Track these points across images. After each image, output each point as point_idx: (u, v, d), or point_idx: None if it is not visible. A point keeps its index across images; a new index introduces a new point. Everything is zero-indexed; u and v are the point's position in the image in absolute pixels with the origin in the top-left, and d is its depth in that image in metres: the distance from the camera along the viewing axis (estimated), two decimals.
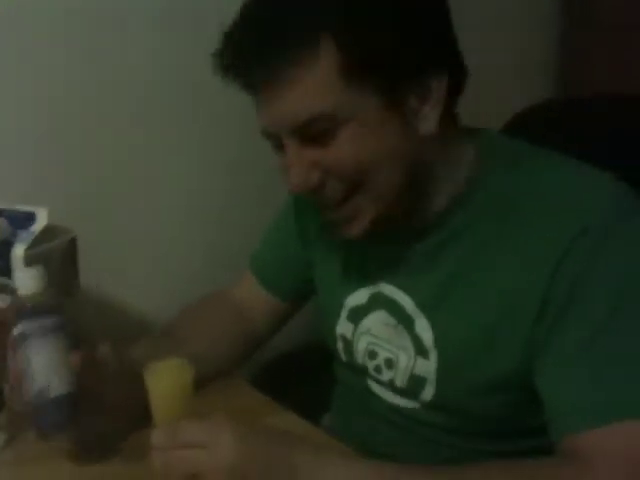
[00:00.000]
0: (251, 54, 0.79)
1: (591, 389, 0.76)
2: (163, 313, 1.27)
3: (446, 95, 0.82)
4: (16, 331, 0.82)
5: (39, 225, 1.00)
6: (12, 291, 0.96)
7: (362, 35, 0.78)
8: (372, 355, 0.96)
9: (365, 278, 0.97)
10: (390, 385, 0.94)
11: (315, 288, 1.09)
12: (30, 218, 1.00)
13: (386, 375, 0.94)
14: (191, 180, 1.39)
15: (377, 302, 0.95)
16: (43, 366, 0.82)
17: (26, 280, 0.84)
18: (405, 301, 0.91)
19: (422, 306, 0.90)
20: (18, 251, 0.96)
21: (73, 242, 1.06)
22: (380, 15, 0.78)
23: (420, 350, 0.90)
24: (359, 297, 0.97)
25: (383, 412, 0.97)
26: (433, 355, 0.88)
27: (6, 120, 1.15)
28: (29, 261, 0.96)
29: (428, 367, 0.89)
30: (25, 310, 0.83)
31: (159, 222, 1.36)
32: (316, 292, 1.09)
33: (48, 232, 1.01)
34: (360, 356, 0.97)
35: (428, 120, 0.82)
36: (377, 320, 0.95)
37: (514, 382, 0.83)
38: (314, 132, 0.80)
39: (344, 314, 0.99)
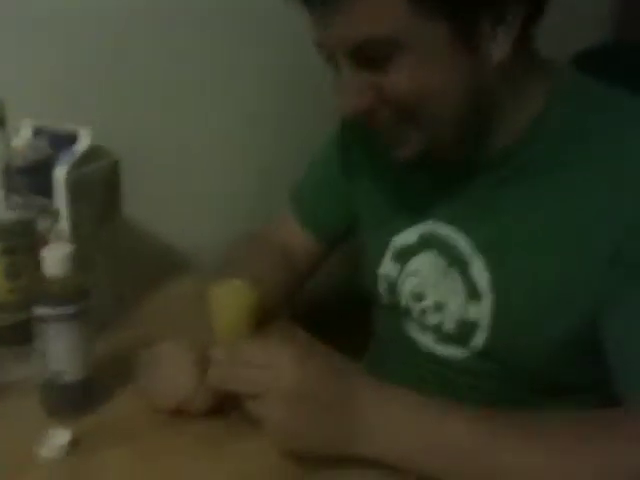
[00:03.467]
0: None
1: None
2: (205, 248, 1.25)
3: (522, 20, 0.75)
4: (36, 312, 0.78)
5: (82, 146, 0.95)
6: (54, 213, 0.93)
7: None
8: (418, 297, 0.91)
9: (415, 216, 0.92)
10: (436, 330, 0.90)
11: (355, 228, 1.05)
12: (72, 138, 0.96)
13: (433, 319, 0.90)
14: (244, 107, 1.34)
15: (428, 242, 0.91)
16: (60, 352, 0.79)
17: (54, 261, 0.77)
18: (461, 241, 0.87)
19: (481, 247, 0.85)
20: (59, 173, 0.92)
21: (116, 166, 1.02)
22: None
23: (473, 294, 0.85)
24: (408, 236, 0.93)
25: (420, 360, 0.93)
26: (487, 299, 0.84)
27: (53, 36, 1.11)
28: (70, 183, 0.93)
29: (480, 312, 0.84)
30: (48, 294, 0.77)
31: (207, 153, 1.32)
32: (355, 233, 1.05)
33: (90, 154, 0.96)
34: (404, 298, 0.93)
35: (501, 45, 0.76)
36: (426, 261, 0.91)
37: (576, 332, 0.79)
38: (372, 55, 0.75)
39: (389, 254, 0.95)
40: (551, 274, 0.80)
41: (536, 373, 0.84)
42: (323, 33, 0.78)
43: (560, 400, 0.85)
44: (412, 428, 0.71)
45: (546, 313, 0.80)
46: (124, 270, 1.07)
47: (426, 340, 0.92)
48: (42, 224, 0.92)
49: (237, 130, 1.35)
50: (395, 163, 0.86)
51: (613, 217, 0.75)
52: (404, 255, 0.93)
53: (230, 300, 0.82)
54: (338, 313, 1.35)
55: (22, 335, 0.84)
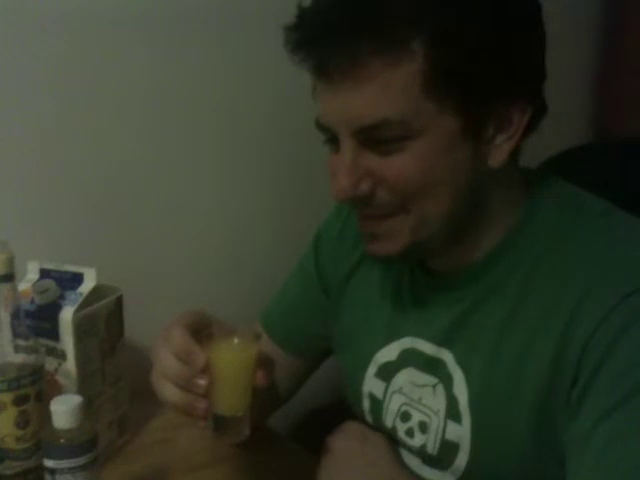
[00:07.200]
0: (336, 32, 0.72)
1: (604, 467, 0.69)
2: None
3: (522, 131, 0.78)
4: (46, 464, 0.79)
5: (87, 286, 0.98)
6: (61, 355, 0.96)
7: (455, 47, 0.72)
8: (405, 417, 0.89)
9: (396, 332, 0.91)
10: (420, 452, 0.88)
11: (332, 344, 1.03)
12: (78, 279, 0.99)
13: (418, 440, 0.88)
14: (237, 237, 1.38)
15: (409, 358, 0.89)
16: None
17: (63, 415, 0.78)
18: (443, 356, 0.85)
19: (460, 362, 0.84)
20: (66, 314, 0.95)
21: (119, 300, 1.05)
22: (478, 32, 0.72)
23: (453, 412, 0.84)
24: (389, 352, 0.91)
25: None
26: (466, 418, 0.82)
27: (49, 183, 1.16)
28: (77, 325, 0.96)
29: (460, 431, 0.83)
30: (57, 446, 0.78)
31: (205, 280, 1.35)
32: (333, 349, 1.04)
33: (95, 293, 0.99)
34: (391, 418, 0.91)
35: (500, 152, 0.78)
36: (408, 378, 0.89)
37: (554, 452, 0.77)
38: (377, 138, 0.75)
39: (372, 371, 0.93)
40: (523, 393, 0.78)
41: None
42: (329, 110, 0.77)
43: None
44: None
45: (521, 432, 0.78)
46: (128, 397, 1.09)
47: (412, 463, 0.90)
48: (49, 365, 0.94)
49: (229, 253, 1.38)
50: (373, 259, 0.89)
51: (580, 328, 0.73)
52: (387, 372, 0.92)
53: (231, 357, 0.80)
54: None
55: None
